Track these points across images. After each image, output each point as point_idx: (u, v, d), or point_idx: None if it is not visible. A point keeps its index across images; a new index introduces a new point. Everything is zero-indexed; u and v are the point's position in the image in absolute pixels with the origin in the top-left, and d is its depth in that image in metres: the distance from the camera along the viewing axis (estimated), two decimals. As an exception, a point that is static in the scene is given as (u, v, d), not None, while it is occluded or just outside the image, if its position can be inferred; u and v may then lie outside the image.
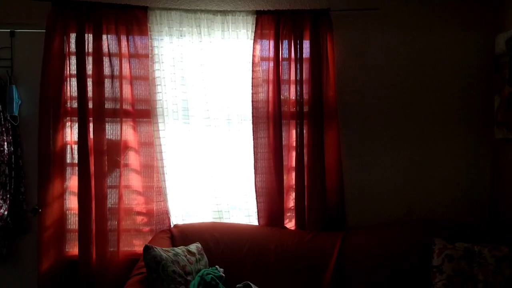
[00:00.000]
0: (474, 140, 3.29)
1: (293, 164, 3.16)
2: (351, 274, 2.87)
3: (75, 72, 2.97)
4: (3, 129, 2.94)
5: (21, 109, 3.08)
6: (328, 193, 3.15)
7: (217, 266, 2.78)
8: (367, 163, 3.29)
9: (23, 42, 3.08)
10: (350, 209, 3.23)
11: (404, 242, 2.94)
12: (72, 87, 3.03)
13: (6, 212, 2.94)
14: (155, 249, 2.55)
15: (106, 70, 3.00)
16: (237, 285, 2.69)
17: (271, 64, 3.10)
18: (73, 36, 2.99)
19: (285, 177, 3.15)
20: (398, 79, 3.28)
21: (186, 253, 2.71)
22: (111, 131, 3.03)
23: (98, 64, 2.97)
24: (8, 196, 2.95)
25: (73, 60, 2.99)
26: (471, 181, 3.30)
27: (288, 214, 3.21)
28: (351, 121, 3.26)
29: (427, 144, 3.30)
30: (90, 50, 2.98)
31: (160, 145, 3.03)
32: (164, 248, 2.63)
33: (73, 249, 3.06)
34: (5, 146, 2.94)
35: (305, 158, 3.13)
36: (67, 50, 3.00)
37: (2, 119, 2.94)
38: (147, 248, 2.54)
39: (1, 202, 2.92)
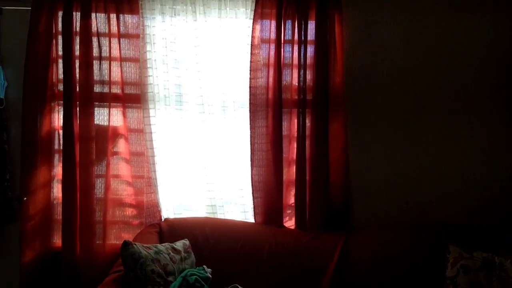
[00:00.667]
0: (501, 134, 2.93)
1: (294, 156, 2.90)
2: (353, 282, 2.60)
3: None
4: (-14, 112, 2.81)
5: (8, 91, 2.93)
6: (332, 189, 2.88)
7: (204, 266, 2.56)
8: (377, 157, 2.98)
9: (11, 21, 2.90)
10: (356, 207, 2.95)
11: (414, 248, 2.66)
12: (60, 69, 2.85)
13: (-11, 199, 2.82)
14: (134, 245, 2.36)
15: (95, 51, 2.81)
16: (224, 288, 2.48)
17: (272, 46, 2.83)
18: (60, 15, 2.80)
19: (284, 170, 2.90)
20: (414, 65, 2.95)
21: (170, 251, 2.51)
22: (99, 116, 2.85)
23: (86, 44, 2.79)
24: (-8, 182, 2.82)
25: (60, 40, 2.81)
26: (496, 181, 2.94)
27: (288, 212, 2.96)
28: (360, 111, 2.96)
29: (446, 138, 2.96)
30: (78, 29, 2.79)
31: (151, 132, 2.83)
32: (145, 245, 2.43)
33: (60, 240, 2.90)
34: (-11, 130, 2.81)
35: (307, 151, 2.87)
36: (55, 29, 2.82)
37: (-14, 102, 2.80)
38: (125, 244, 2.35)
39: (-17, 188, 2.79)
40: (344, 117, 2.86)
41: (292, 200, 2.93)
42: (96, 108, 2.83)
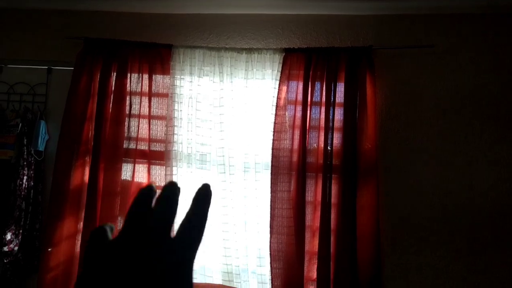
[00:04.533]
0: None
1: (318, 225, 2.65)
2: None
3: (97, 110, 2.92)
4: (25, 163, 2.95)
5: (49, 144, 3.09)
6: (361, 265, 2.57)
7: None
8: (412, 235, 2.65)
9: (58, 79, 3.13)
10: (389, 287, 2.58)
11: None
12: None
13: (16, 248, 2.89)
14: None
15: (126, 109, 2.89)
16: None
17: (298, 108, 2.73)
18: (98, 75, 2.96)
19: (307, 240, 2.67)
20: (454, 126, 2.67)
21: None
22: (124, 172, 2.87)
23: (119, 102, 2.89)
24: (21, 231, 2.91)
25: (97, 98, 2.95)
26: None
27: (310, 287, 2.67)
28: (396, 180, 2.68)
29: (488, 218, 2.56)
30: (113, 88, 2.91)
31: (172, 191, 2.77)
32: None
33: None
34: (24, 180, 2.94)
35: (333, 220, 2.63)
36: (93, 89, 2.97)
37: (25, 153, 2.96)
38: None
39: (12, 237, 2.88)
40: (376, 186, 2.61)
41: (315, 274, 2.66)
42: (123, 164, 2.87)
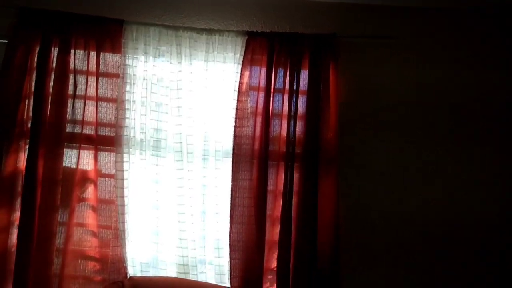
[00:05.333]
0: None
1: (279, 214, 2.62)
2: None
3: (35, 89, 2.61)
4: None
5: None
6: (320, 254, 2.59)
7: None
8: (370, 223, 2.72)
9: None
10: (348, 276, 2.63)
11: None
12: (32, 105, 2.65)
13: None
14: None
15: (70, 88, 2.62)
16: None
17: (261, 94, 2.65)
18: (37, 50, 2.64)
19: (267, 230, 2.63)
20: (413, 120, 2.76)
21: (130, 315, 2.19)
22: (67, 158, 2.61)
23: (61, 81, 2.60)
24: None
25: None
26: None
27: (269, 277, 2.65)
28: (355, 169, 2.72)
29: (448, 200, 2.74)
30: (54, 65, 2.62)
31: (122, 179, 2.58)
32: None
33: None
34: None
35: (294, 209, 2.61)
36: (30, 64, 2.64)
37: None
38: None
39: None
40: (336, 175, 2.62)
41: (274, 263, 2.63)
42: (65, 149, 2.60)
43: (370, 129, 2.74)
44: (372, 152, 2.74)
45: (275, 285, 2.61)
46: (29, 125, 2.64)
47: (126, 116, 2.61)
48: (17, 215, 2.63)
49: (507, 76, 2.75)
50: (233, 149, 2.62)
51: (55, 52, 2.62)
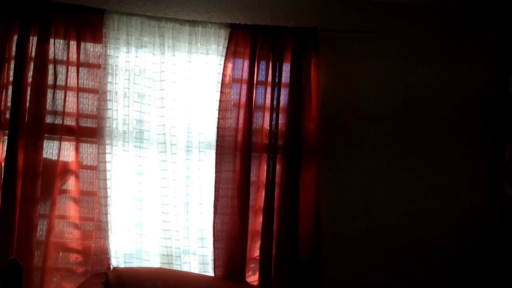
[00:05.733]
0: (481, 195, 2.80)
1: (261, 205, 2.68)
2: None
3: (13, 78, 2.55)
4: None
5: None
6: (301, 243, 2.67)
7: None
8: (351, 211, 2.80)
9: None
10: (327, 265, 2.72)
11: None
12: (10, 96, 2.58)
13: None
14: (73, 300, 2.06)
15: (50, 78, 2.57)
16: None
17: (244, 86, 2.69)
18: (15, 39, 2.57)
19: (250, 220, 2.69)
20: (392, 115, 2.84)
21: (116, 307, 2.21)
22: (48, 149, 2.57)
23: (40, 71, 2.55)
24: None
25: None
26: (479, 239, 2.80)
27: (252, 266, 2.72)
28: (335, 161, 2.81)
29: (423, 195, 2.82)
30: (33, 55, 2.56)
31: (105, 170, 2.57)
32: (87, 299, 2.13)
33: (-10, 288, 2.55)
34: None
35: (276, 199, 2.68)
36: (8, 53, 2.58)
37: None
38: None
39: None
40: (317, 166, 2.69)
41: (256, 253, 2.70)
42: (45, 141, 2.56)
43: (351, 122, 2.81)
44: (352, 144, 2.81)
45: (257, 273, 2.68)
46: (7, 116, 2.58)
47: (108, 107, 2.59)
48: (-5, 207, 2.59)
49: (489, 73, 2.86)
50: (217, 141, 2.65)
51: (34, 41, 2.56)
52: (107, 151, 2.58)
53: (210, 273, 2.66)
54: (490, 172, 2.82)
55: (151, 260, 2.66)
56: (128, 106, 2.62)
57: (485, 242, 2.78)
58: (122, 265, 2.62)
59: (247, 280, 2.66)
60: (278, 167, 2.68)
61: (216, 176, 2.64)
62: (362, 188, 2.81)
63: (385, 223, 2.80)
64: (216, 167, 2.64)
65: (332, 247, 2.75)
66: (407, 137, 2.84)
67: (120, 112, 2.62)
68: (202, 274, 2.65)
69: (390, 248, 2.80)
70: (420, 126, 2.85)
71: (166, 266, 2.63)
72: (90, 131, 2.62)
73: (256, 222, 2.70)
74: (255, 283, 2.66)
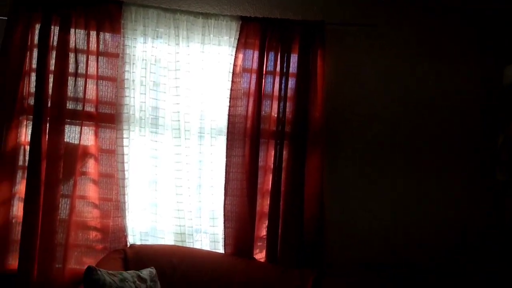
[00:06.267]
0: (474, 180, 2.98)
1: (269, 188, 2.85)
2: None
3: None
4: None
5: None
6: (306, 224, 2.84)
7: (170, 297, 2.46)
8: (353, 195, 2.98)
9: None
10: (329, 244, 2.90)
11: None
12: (32, 82, 2.74)
13: None
14: (98, 271, 2.23)
15: (71, 67, 2.72)
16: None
17: (254, 76, 2.83)
18: (37, 27, 2.72)
19: (258, 202, 2.85)
20: (393, 106, 2.99)
21: (136, 279, 2.38)
22: (69, 134, 2.74)
23: (62, 59, 2.70)
24: None
25: (36, 53, 2.72)
26: (468, 225, 2.97)
27: (259, 244, 2.90)
28: (338, 147, 2.97)
29: (421, 180, 2.99)
30: (55, 44, 2.70)
31: (123, 154, 2.74)
32: (110, 272, 2.31)
33: (16, 262, 2.72)
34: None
35: (283, 183, 2.84)
36: (30, 42, 2.73)
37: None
38: (89, 270, 2.22)
39: None
40: (321, 152, 2.85)
41: (264, 232, 2.88)
42: (67, 126, 2.73)
43: (355, 112, 2.97)
44: (354, 133, 2.97)
45: (264, 251, 2.86)
46: (30, 102, 2.74)
47: (125, 95, 2.74)
48: (18, 188, 2.76)
49: (483, 66, 2.99)
50: (228, 128, 2.81)
51: (55, 30, 2.70)
52: (124, 136, 2.75)
53: (221, 250, 2.85)
54: (483, 158, 2.97)
55: (166, 238, 2.85)
56: (145, 94, 2.78)
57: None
58: (138, 243, 2.80)
59: (254, 257, 2.85)
60: (285, 152, 2.84)
61: (226, 161, 2.80)
62: (362, 175, 2.97)
63: (381, 210, 2.98)
64: (226, 152, 2.80)
65: (335, 227, 2.92)
66: (404, 130, 2.99)
67: (137, 99, 2.77)
68: (213, 251, 2.84)
69: (390, 229, 2.97)
70: (418, 119, 2.99)
71: (180, 244, 2.81)
72: (109, 117, 2.78)
73: (264, 204, 2.87)
74: (262, 260, 2.85)
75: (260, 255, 2.88)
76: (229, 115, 2.80)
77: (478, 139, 2.98)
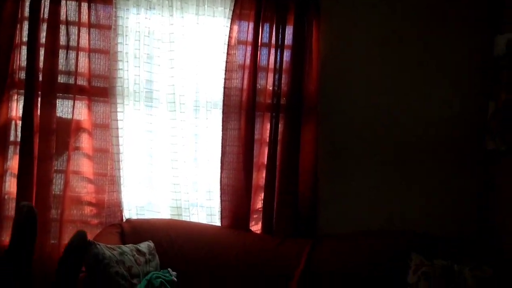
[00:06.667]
0: (464, 149, 3.02)
1: (265, 161, 2.86)
2: (318, 286, 2.61)
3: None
4: None
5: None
6: (301, 196, 2.87)
7: (169, 269, 2.46)
8: (347, 167, 3.00)
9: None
10: (323, 216, 2.93)
11: (378, 255, 2.73)
12: (23, 56, 2.68)
13: None
14: (97, 245, 2.24)
15: (62, 39, 2.66)
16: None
17: (249, 48, 2.80)
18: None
19: (254, 175, 2.86)
20: (387, 77, 3.00)
21: (135, 253, 2.39)
22: (62, 108, 2.70)
23: (53, 32, 2.64)
24: None
25: (26, 26, 2.64)
26: (457, 194, 3.03)
27: (255, 216, 2.92)
28: (333, 120, 2.97)
29: (413, 151, 3.02)
30: (46, 16, 2.63)
31: (117, 128, 2.71)
32: (109, 245, 2.31)
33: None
34: None
35: (278, 156, 2.84)
36: (21, 14, 2.66)
37: None
38: (88, 244, 2.22)
39: None
40: (316, 125, 2.86)
41: (259, 204, 2.89)
42: (59, 100, 2.69)
43: (349, 82, 2.97)
44: (349, 103, 2.98)
45: (260, 223, 2.88)
46: (21, 76, 2.69)
47: (119, 68, 2.70)
48: (10, 164, 2.72)
49: (475, 36, 3.00)
50: (223, 100, 2.79)
51: (46, 2, 2.64)
52: (118, 109, 2.71)
53: (217, 223, 2.86)
54: (474, 127, 3.01)
55: (162, 212, 2.85)
56: (139, 67, 2.74)
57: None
58: (134, 217, 2.80)
59: (251, 229, 2.87)
60: (280, 125, 2.84)
61: (223, 134, 2.79)
62: (355, 149, 2.99)
63: (373, 181, 3.00)
64: (223, 125, 2.79)
65: (329, 199, 2.94)
66: (399, 103, 3.00)
67: (130, 72, 2.73)
68: (210, 224, 2.85)
69: (378, 201, 3.00)
70: (409, 88, 3.00)
71: (176, 217, 2.82)
72: (102, 90, 2.74)
73: (259, 177, 2.88)
74: (258, 232, 2.87)
75: (256, 227, 2.90)
76: (224, 87, 2.78)
77: (469, 108, 3.01)
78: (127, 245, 2.43)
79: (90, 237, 2.60)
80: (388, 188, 3.01)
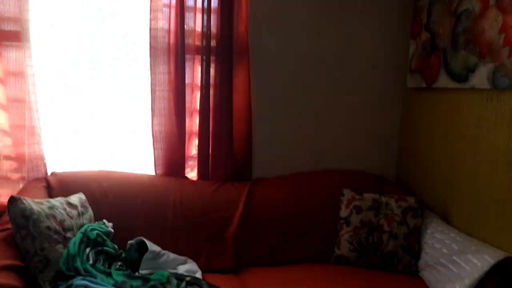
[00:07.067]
0: (386, 88, 3.15)
1: (197, 106, 2.78)
2: (258, 226, 2.68)
3: None
4: None
5: None
6: (235, 141, 2.85)
7: (104, 221, 2.38)
8: (277, 110, 3.01)
9: None
10: (257, 159, 2.95)
11: (313, 193, 2.84)
12: None
13: None
14: (23, 200, 2.06)
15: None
16: (128, 242, 2.33)
17: (174, -14, 2.64)
18: None
19: (187, 121, 2.77)
20: (313, 17, 2.98)
21: (66, 206, 2.26)
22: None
23: None
24: None
25: None
26: (381, 131, 3.19)
27: (190, 163, 2.86)
28: (263, 64, 2.92)
29: (338, 91, 3.09)
30: None
31: (33, 75, 2.47)
32: (36, 200, 2.15)
33: None
34: None
35: (211, 100, 2.78)
36: None
37: None
38: (13, 200, 2.05)
39: None
40: (248, 68, 2.81)
41: (194, 151, 2.84)
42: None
43: (278, 26, 2.93)
44: (278, 46, 2.95)
45: (195, 170, 2.84)
46: None
47: (32, 8, 2.43)
48: None
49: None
50: (150, 42, 2.62)
51: None
52: (33, 54, 2.46)
53: (151, 172, 2.78)
54: (396, 67, 3.13)
55: (91, 163, 2.71)
56: (54, 6, 2.48)
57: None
58: (60, 170, 2.62)
59: (187, 176, 2.83)
60: (212, 69, 2.75)
61: (151, 79, 2.64)
62: (283, 93, 3.00)
63: (301, 124, 3.06)
64: (151, 69, 2.64)
65: (262, 142, 2.96)
66: (320, 40, 3.00)
67: (45, 12, 2.48)
68: (144, 174, 2.75)
69: (311, 140, 3.10)
70: (333, 30, 3.01)
71: (107, 169, 2.69)
72: (14, 34, 2.44)
73: (193, 122, 2.80)
74: (195, 178, 2.84)
75: (191, 174, 2.86)
76: (150, 28, 2.61)
77: (391, 48, 3.11)
78: (56, 199, 2.28)
79: (12, 193, 2.43)
80: (316, 130, 3.08)
